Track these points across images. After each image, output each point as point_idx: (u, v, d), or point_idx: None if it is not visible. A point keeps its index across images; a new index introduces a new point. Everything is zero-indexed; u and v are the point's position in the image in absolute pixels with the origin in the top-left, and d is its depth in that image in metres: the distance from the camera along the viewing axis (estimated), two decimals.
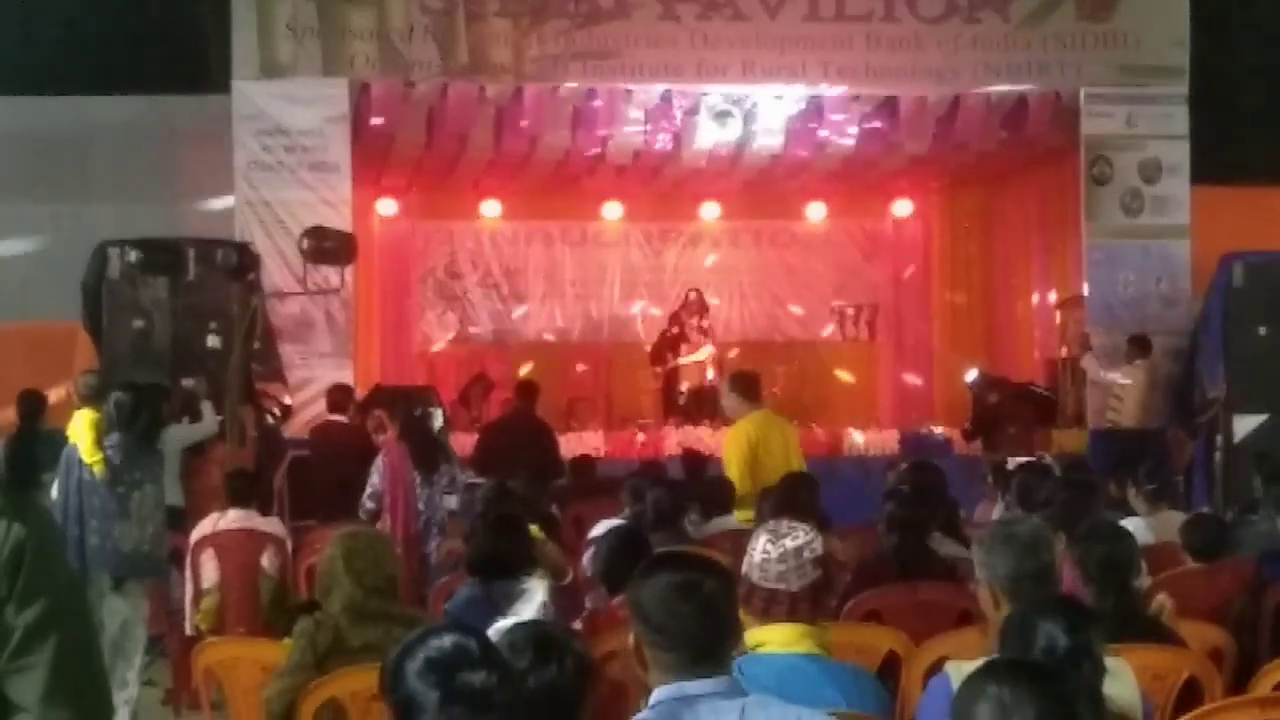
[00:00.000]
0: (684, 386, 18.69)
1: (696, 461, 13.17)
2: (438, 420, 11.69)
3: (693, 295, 19.38)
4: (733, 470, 10.42)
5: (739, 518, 9.78)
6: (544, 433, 14.19)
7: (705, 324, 19.06)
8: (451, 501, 11.92)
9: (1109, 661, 4.71)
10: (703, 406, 18.04)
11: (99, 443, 9.53)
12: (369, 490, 11.19)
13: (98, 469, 9.46)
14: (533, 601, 6.64)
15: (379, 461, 11.29)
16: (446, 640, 3.57)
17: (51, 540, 3.54)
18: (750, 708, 3.80)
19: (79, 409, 10.01)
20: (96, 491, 9.47)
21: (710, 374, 18.66)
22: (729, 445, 10.73)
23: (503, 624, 4.78)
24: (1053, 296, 18.61)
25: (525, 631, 4.23)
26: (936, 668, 5.27)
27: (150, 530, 9.58)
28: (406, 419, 11.83)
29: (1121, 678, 4.67)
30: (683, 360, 18.86)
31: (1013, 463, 12.39)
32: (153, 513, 9.62)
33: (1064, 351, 17.95)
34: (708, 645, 3.82)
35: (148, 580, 9.72)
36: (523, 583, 6.79)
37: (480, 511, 8.31)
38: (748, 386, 10.93)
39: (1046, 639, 4.22)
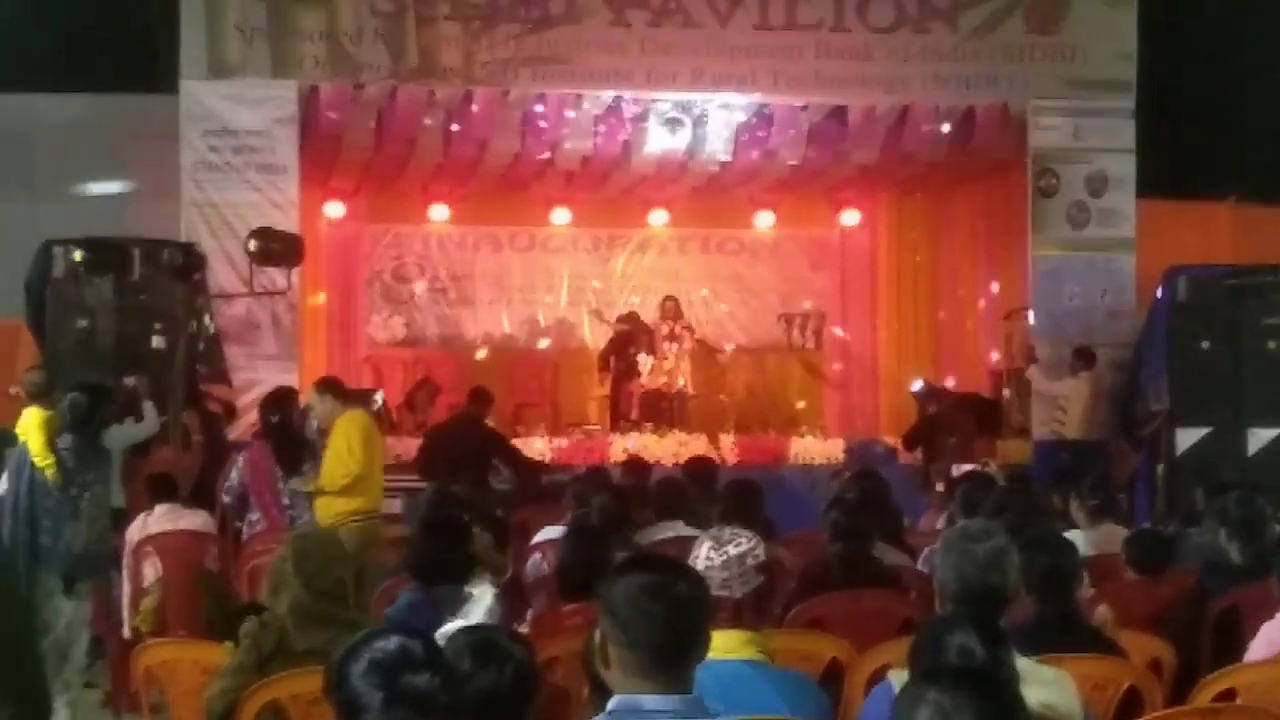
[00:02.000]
0: (649, 386, 18.38)
1: (641, 468, 13.12)
2: (315, 422, 11.90)
3: (669, 303, 19.02)
4: (356, 453, 10.85)
5: (349, 506, 10.61)
6: (494, 440, 14.17)
7: (678, 329, 18.75)
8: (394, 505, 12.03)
9: (1050, 671, 4.74)
10: (659, 411, 17.97)
11: (51, 444, 9.47)
12: (227, 484, 11.61)
13: (49, 472, 9.41)
14: (481, 605, 6.63)
15: (239, 459, 11.63)
16: (391, 642, 3.58)
17: None
18: None
19: (26, 407, 9.95)
20: (49, 493, 9.41)
21: (681, 381, 18.53)
22: (349, 431, 11.04)
23: (448, 628, 4.78)
24: (999, 307, 18.65)
25: (468, 637, 4.22)
26: (879, 676, 5.28)
27: (98, 530, 9.56)
28: (263, 419, 12.08)
29: (1062, 687, 4.69)
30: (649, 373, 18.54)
31: (957, 471, 12.43)
32: (101, 513, 9.61)
33: (1009, 362, 18.00)
34: (671, 650, 3.72)
35: (92, 581, 9.67)
36: (470, 586, 6.78)
37: (421, 516, 8.29)
38: (340, 390, 11.57)
39: (959, 650, 4.21)
